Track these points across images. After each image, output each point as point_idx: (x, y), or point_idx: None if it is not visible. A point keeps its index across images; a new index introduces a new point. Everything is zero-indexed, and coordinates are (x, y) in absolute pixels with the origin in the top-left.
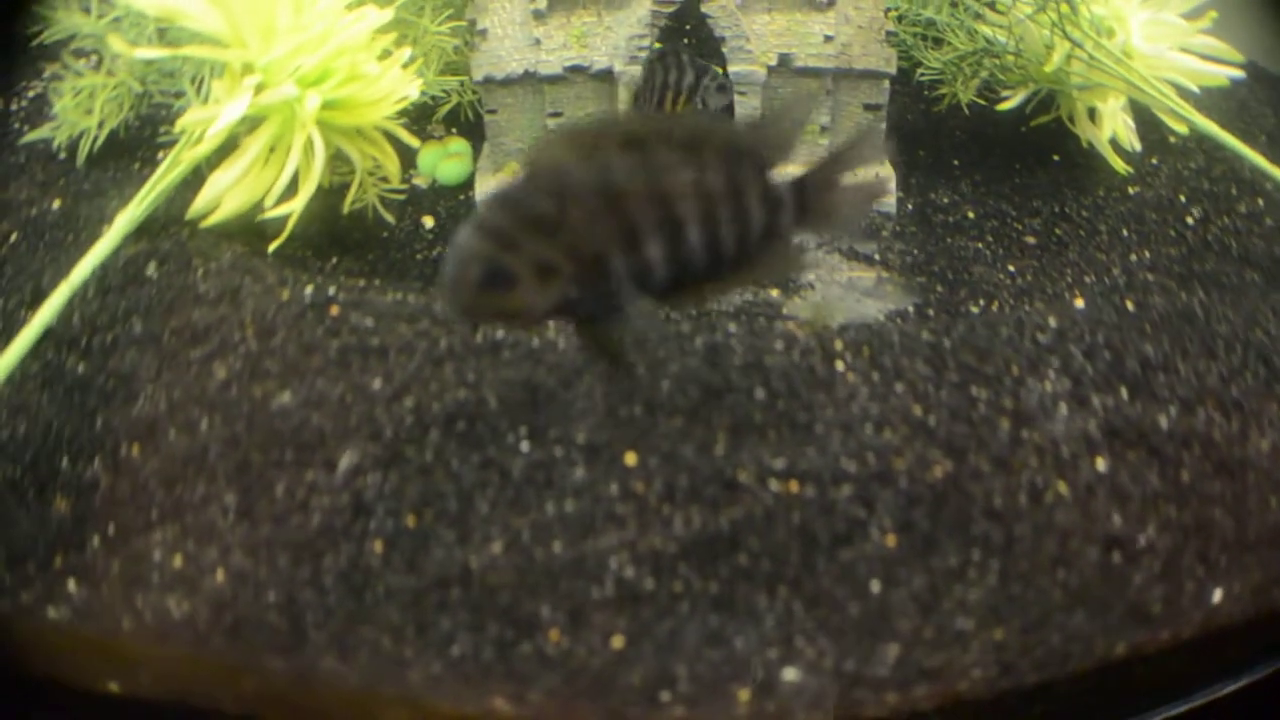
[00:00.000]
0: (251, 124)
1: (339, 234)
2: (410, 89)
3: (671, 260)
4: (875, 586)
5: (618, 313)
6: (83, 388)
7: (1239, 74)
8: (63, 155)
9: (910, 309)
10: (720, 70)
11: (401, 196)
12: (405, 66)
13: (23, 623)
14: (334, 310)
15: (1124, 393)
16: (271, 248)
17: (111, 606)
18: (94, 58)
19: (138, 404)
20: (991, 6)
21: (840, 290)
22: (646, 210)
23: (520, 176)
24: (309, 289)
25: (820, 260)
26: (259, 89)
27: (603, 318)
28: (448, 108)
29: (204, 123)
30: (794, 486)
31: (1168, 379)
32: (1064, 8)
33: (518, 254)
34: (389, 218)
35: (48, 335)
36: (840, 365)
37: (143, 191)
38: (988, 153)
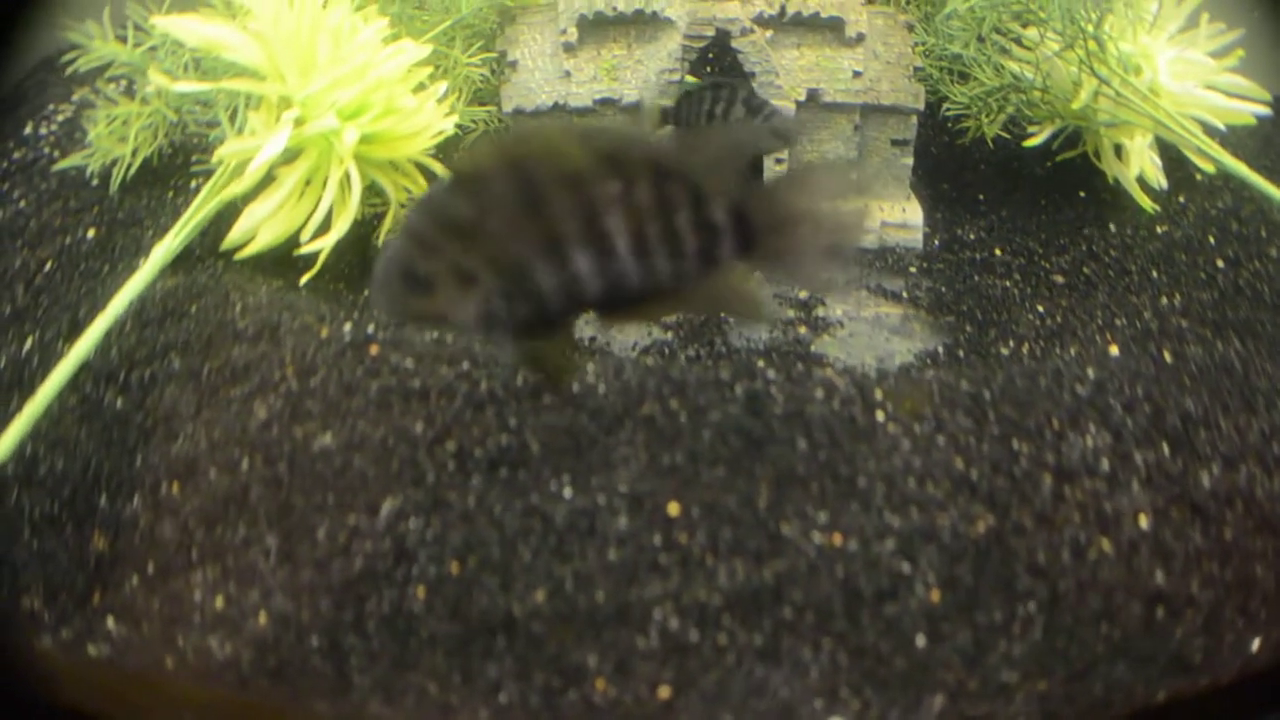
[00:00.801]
0: (288, 155)
1: (370, 266)
2: (446, 124)
3: (596, 277)
4: (920, 640)
5: (553, 327)
6: (121, 423)
7: (1266, 111)
8: (95, 182)
9: (939, 349)
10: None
11: None
12: (440, 101)
13: (63, 659)
14: (374, 349)
15: (1165, 449)
16: (303, 280)
17: (152, 645)
18: (124, 83)
19: (177, 442)
20: (1018, 42)
21: (867, 327)
22: (565, 223)
23: (446, 182)
24: (348, 326)
25: (848, 295)
26: (298, 122)
27: (538, 332)
28: (474, 136)
29: (241, 154)
30: (837, 540)
31: (1209, 435)
32: (1091, 45)
33: (436, 259)
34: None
35: (85, 369)
36: (881, 415)
37: (179, 224)
38: (1013, 188)
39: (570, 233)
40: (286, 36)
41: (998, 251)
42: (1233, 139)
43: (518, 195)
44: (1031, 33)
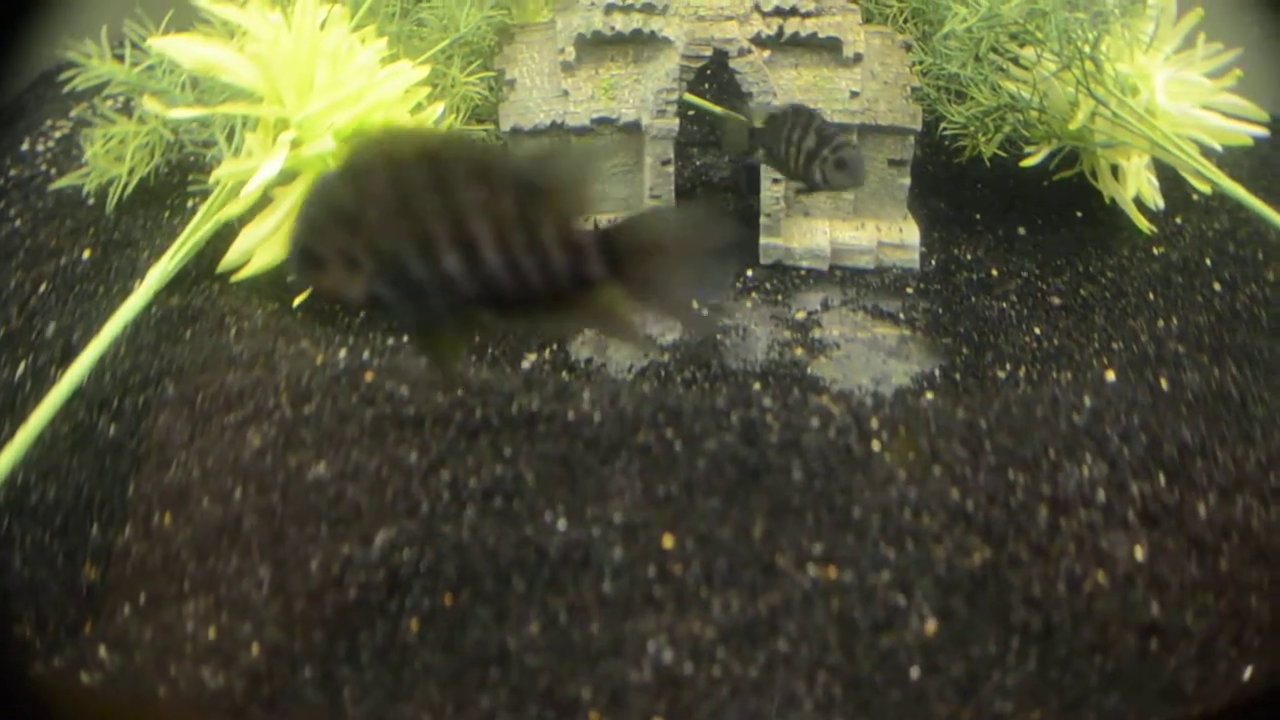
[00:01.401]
0: (285, 177)
1: None
2: None
3: (466, 279)
4: (915, 673)
5: (443, 320)
6: (114, 451)
7: (1263, 132)
8: (91, 201)
9: (936, 372)
10: (850, 141)
11: None
12: (437, 123)
13: (55, 687)
14: (369, 376)
15: (1162, 479)
16: (296, 302)
17: (145, 675)
18: (122, 100)
19: (170, 470)
20: (1016, 62)
21: (864, 349)
22: (426, 222)
23: (338, 167)
24: (343, 352)
25: (844, 317)
26: (295, 144)
27: (429, 323)
28: None
29: (238, 176)
30: (832, 572)
31: (1205, 465)
32: (1088, 65)
33: (325, 240)
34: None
35: (79, 395)
36: (877, 445)
37: (174, 246)
38: (1010, 208)
39: (436, 231)
40: (284, 59)
41: (994, 272)
42: (1230, 159)
43: (390, 188)
44: (1028, 53)
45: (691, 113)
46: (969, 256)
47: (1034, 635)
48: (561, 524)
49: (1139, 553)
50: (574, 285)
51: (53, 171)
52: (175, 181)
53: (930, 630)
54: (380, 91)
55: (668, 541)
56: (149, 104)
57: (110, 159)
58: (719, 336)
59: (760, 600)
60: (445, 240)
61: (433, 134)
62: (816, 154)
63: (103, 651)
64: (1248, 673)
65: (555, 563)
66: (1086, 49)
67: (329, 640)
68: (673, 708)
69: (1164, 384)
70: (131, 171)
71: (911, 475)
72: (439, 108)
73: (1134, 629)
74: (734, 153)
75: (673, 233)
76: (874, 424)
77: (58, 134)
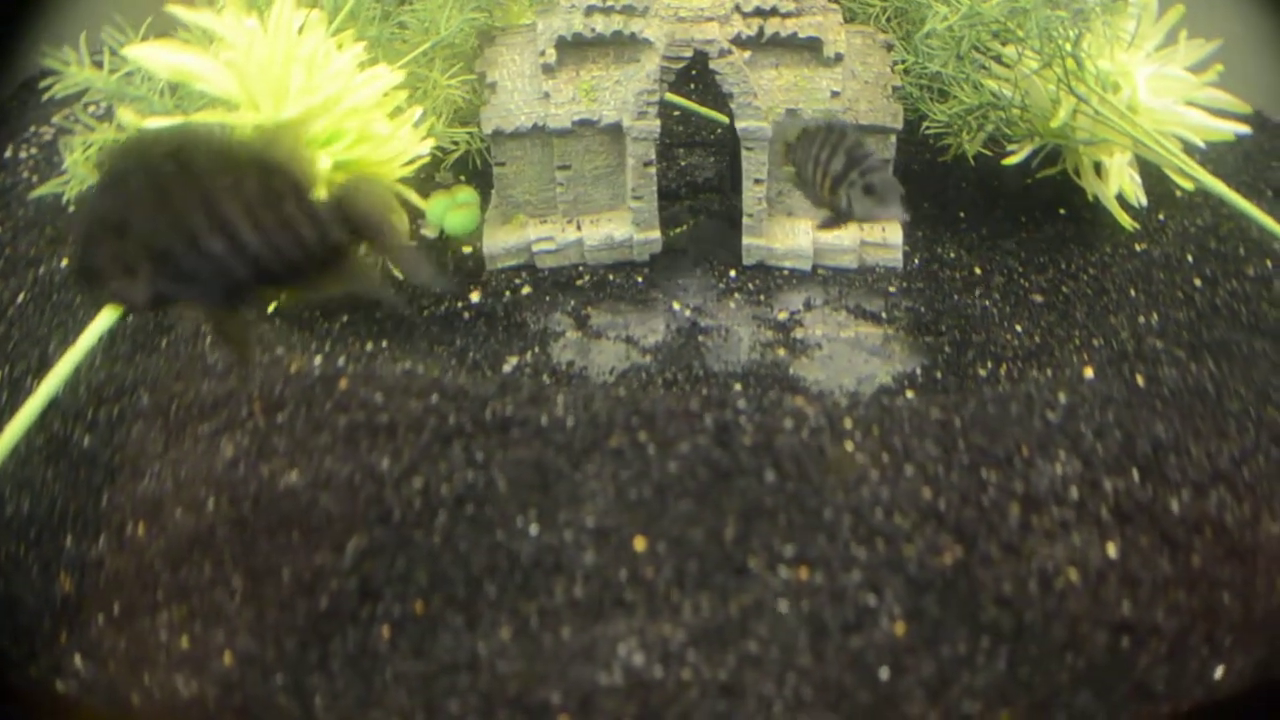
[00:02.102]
0: None
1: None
2: (421, 149)
3: (232, 261)
4: (884, 673)
5: (231, 303)
6: (88, 463)
7: (1245, 129)
8: (72, 209)
9: (917, 370)
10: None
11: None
12: (416, 126)
13: (31, 696)
14: (343, 384)
15: (1135, 475)
16: (270, 308)
17: (119, 684)
18: (104, 106)
19: (144, 481)
20: (998, 60)
21: (847, 348)
22: (185, 217)
23: (96, 181)
24: (318, 360)
25: (827, 316)
26: None
27: (215, 309)
28: (456, 155)
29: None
30: (804, 573)
31: (1179, 461)
32: (1070, 63)
33: (98, 254)
34: (398, 274)
35: (54, 406)
36: (850, 445)
37: None
38: (994, 205)
39: (196, 223)
40: (259, 65)
41: (977, 270)
42: (1214, 155)
43: (144, 191)
44: (1010, 51)
45: (676, 113)
46: (952, 255)
47: (1005, 634)
48: (534, 529)
49: (1111, 550)
50: (325, 251)
51: (34, 179)
52: None
53: (900, 631)
54: (357, 96)
55: (639, 545)
56: (123, 114)
57: (90, 166)
58: (700, 338)
59: (731, 602)
60: (206, 230)
61: (172, 132)
62: (844, 178)
63: (78, 661)
64: (1219, 672)
65: (527, 568)
66: (1068, 47)
67: (301, 648)
68: (642, 711)
69: (1140, 380)
70: None
71: (884, 475)
72: (417, 111)
73: (1105, 627)
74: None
75: (380, 193)
76: (848, 424)
77: (41, 141)
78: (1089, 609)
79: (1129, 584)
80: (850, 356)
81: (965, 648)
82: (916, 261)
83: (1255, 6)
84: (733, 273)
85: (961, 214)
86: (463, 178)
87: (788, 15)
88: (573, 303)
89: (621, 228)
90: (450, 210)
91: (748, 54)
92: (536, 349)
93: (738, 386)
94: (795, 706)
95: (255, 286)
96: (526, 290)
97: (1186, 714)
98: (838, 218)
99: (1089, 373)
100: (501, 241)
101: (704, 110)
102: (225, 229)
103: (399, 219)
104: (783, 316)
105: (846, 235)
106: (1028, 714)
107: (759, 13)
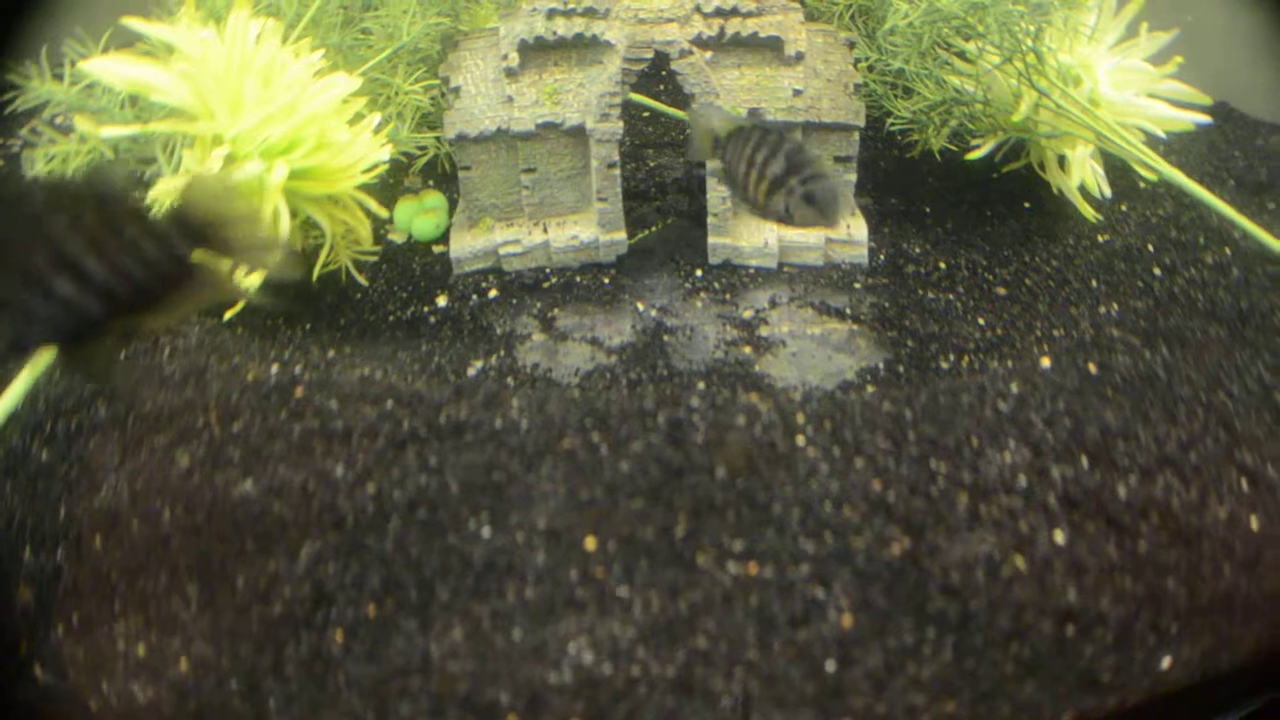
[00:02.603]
0: None
1: (312, 298)
2: (381, 154)
3: (83, 296)
4: (830, 666)
5: (89, 337)
6: (46, 476)
7: (1206, 119)
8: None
9: (880, 365)
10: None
11: (374, 257)
12: (376, 132)
13: None
14: (299, 392)
15: (1084, 462)
16: (226, 316)
17: (78, 692)
18: (69, 117)
19: (101, 493)
20: (961, 56)
21: (812, 345)
22: (26, 260)
23: None
24: (275, 368)
25: (792, 313)
26: (228, 160)
27: (75, 343)
28: (425, 160)
29: (174, 194)
30: (752, 568)
31: (1127, 447)
32: (1030, 57)
33: None
34: (362, 280)
35: (13, 420)
36: (801, 440)
37: None
38: (960, 200)
39: (45, 262)
40: (214, 75)
41: (942, 264)
42: (1178, 145)
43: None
44: (973, 46)
45: (646, 114)
46: (918, 250)
47: (950, 625)
48: (486, 532)
49: (1059, 537)
50: (173, 267)
51: None
52: None
53: (848, 623)
54: (314, 104)
55: (590, 544)
56: (80, 122)
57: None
58: (666, 338)
59: (680, 599)
60: (49, 271)
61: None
62: (782, 182)
63: (38, 670)
64: (1166, 662)
65: (479, 570)
66: (1028, 41)
67: (255, 654)
68: (590, 708)
69: (1093, 368)
70: None
71: (834, 469)
72: (375, 118)
73: (1051, 615)
74: (697, 159)
75: (222, 190)
76: (800, 419)
77: (7, 154)
78: (1035, 597)
79: (1075, 571)
80: (814, 353)
81: (912, 638)
82: (882, 257)
83: None
84: (699, 272)
85: (928, 209)
86: (431, 183)
87: (748, 15)
88: (539, 305)
89: (587, 229)
90: (418, 215)
91: (709, 54)
92: (502, 352)
93: (701, 385)
94: (743, 701)
95: (110, 317)
96: (493, 293)
97: (1134, 708)
98: (771, 219)
99: (1046, 363)
100: (468, 245)
101: (672, 110)
102: (68, 267)
103: (248, 218)
104: (748, 315)
105: (812, 233)
106: (972, 705)
107: (719, 13)
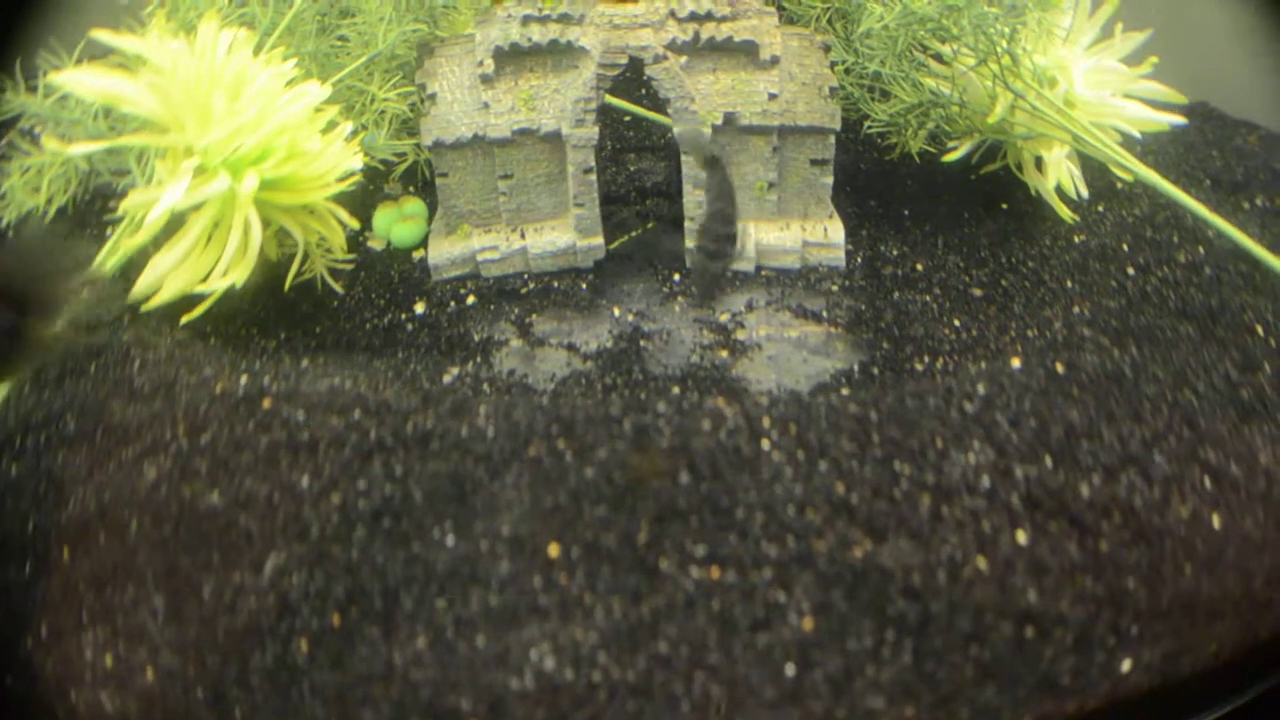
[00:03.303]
0: (198, 203)
1: (286, 307)
2: (353, 163)
3: None
4: (790, 669)
5: None
6: (14, 491)
7: (1181, 120)
8: (11, 234)
9: (855, 367)
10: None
11: (350, 266)
12: (348, 141)
13: None
14: (266, 403)
15: (1048, 461)
16: (183, 320)
17: (46, 702)
18: (45, 128)
19: (69, 507)
20: (937, 58)
21: (789, 348)
22: None
23: None
24: (244, 379)
25: (769, 317)
26: (198, 172)
27: None
28: (404, 167)
29: (146, 205)
30: (715, 573)
31: (1091, 446)
32: (1006, 59)
33: None
34: (337, 288)
35: None
36: (766, 444)
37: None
38: (938, 202)
39: None
40: (183, 87)
41: (919, 266)
42: (1155, 145)
43: None
44: (948, 49)
45: (628, 119)
46: (895, 252)
47: (910, 627)
48: (450, 540)
49: (1021, 537)
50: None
51: None
52: (95, 209)
53: (808, 626)
54: (284, 114)
55: (553, 551)
56: (47, 142)
57: (28, 190)
58: (642, 342)
59: (642, 604)
60: None
61: None
62: None
63: (8, 681)
64: (1126, 665)
65: (442, 578)
66: (1003, 43)
67: (221, 663)
68: (551, 714)
69: (1060, 368)
70: (49, 202)
71: (798, 472)
72: (348, 127)
73: (1011, 617)
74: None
75: (34, 249)
76: (765, 423)
77: None
78: (996, 599)
79: (1037, 572)
80: (791, 356)
81: (872, 641)
82: (859, 260)
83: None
84: (677, 276)
85: (906, 212)
86: (411, 189)
87: (723, 19)
88: (516, 311)
89: (565, 235)
90: (397, 222)
91: (684, 59)
92: (478, 359)
93: (675, 390)
94: (703, 705)
95: None
96: (471, 300)
97: (1092, 712)
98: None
99: (1016, 363)
100: (446, 252)
101: (652, 115)
102: None
103: (52, 278)
104: (725, 319)
105: (789, 236)
106: (931, 710)
107: (694, 18)
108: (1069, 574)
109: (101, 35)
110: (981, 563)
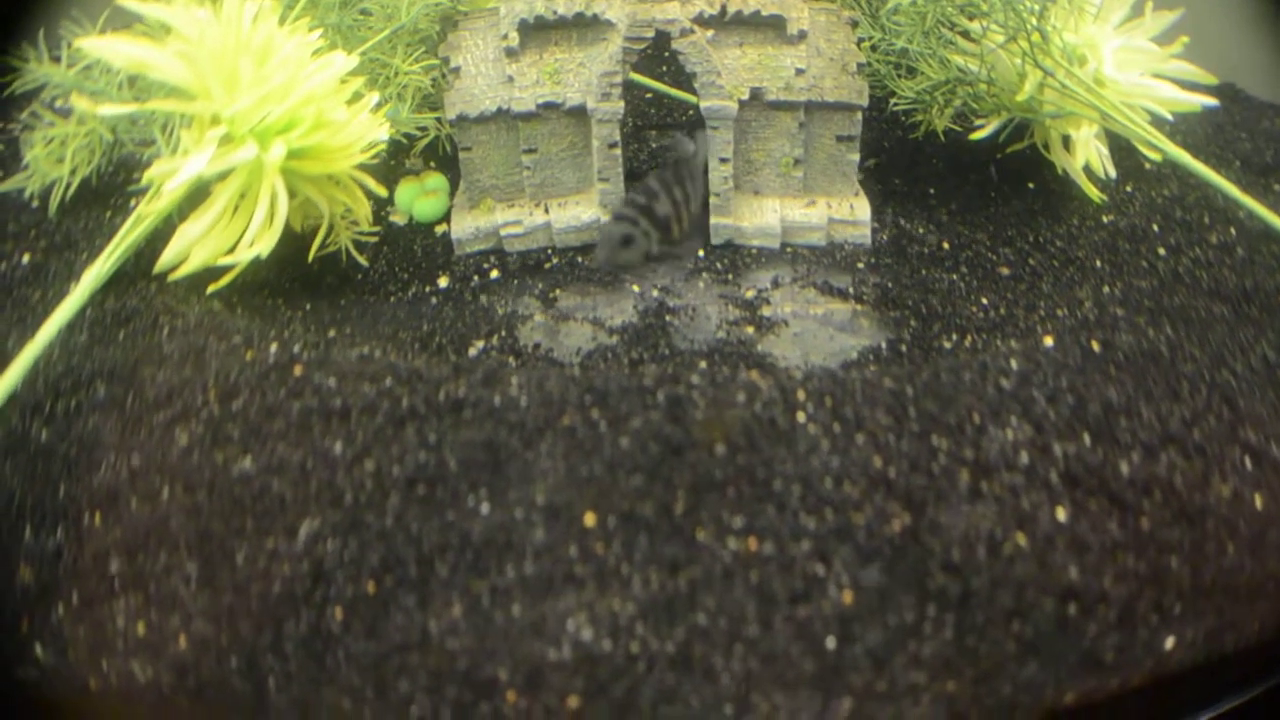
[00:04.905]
0: (225, 173)
1: (311, 279)
2: (379, 134)
3: None
4: (830, 642)
5: None
6: (46, 456)
7: (1212, 101)
8: (35, 204)
9: (883, 344)
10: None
11: (375, 238)
12: (374, 111)
13: None
14: (297, 370)
15: (1086, 439)
16: (211, 289)
17: (79, 670)
18: (67, 100)
19: (100, 472)
20: (965, 35)
21: (815, 324)
22: None
23: None
24: (274, 347)
25: (795, 293)
26: (225, 140)
27: None
28: (425, 141)
29: (171, 175)
30: (752, 544)
31: (1129, 424)
32: (1035, 37)
33: None
34: (362, 260)
35: (12, 400)
36: (801, 416)
37: (109, 248)
38: (963, 180)
39: None
40: (211, 55)
41: (945, 245)
42: (1183, 126)
43: None
44: (977, 26)
45: (649, 95)
46: (921, 230)
47: (951, 602)
48: (485, 508)
49: (1061, 514)
50: None
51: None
52: (119, 180)
53: (848, 599)
54: (311, 83)
55: (589, 520)
56: (78, 101)
57: (51, 161)
58: (668, 317)
59: (680, 575)
60: None
61: None
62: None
63: (38, 649)
64: (1169, 642)
65: (478, 546)
66: (1033, 20)
67: (254, 631)
68: (589, 684)
69: (1096, 346)
70: (73, 173)
71: (835, 445)
72: (374, 98)
73: (1053, 593)
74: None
75: None
76: (800, 396)
77: (4, 138)
78: (1037, 575)
79: (1077, 548)
80: (817, 333)
81: (912, 616)
82: (885, 238)
83: None
84: (701, 252)
85: (931, 189)
86: (432, 164)
87: None
88: (540, 285)
89: (589, 209)
90: (419, 197)
91: (710, 33)
92: (503, 332)
93: (703, 365)
94: (743, 677)
95: None
96: (495, 274)
97: (1136, 689)
98: None
99: (1049, 341)
100: (469, 226)
101: (674, 91)
102: None
103: None
104: (750, 295)
105: (815, 213)
106: (972, 686)
107: None
108: (1110, 551)
109: (129, 3)
110: (1021, 539)
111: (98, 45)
